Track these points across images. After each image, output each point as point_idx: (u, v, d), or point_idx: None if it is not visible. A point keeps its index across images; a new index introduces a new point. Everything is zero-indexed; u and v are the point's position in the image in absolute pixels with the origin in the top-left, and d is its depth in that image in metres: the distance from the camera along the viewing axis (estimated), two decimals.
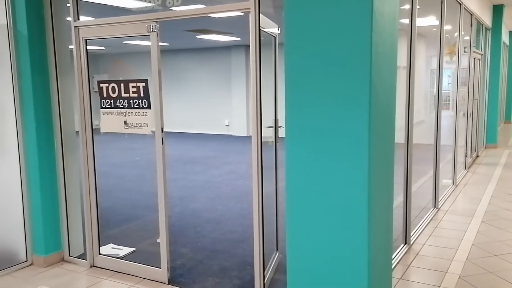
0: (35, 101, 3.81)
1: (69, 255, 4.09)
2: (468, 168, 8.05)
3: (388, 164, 2.74)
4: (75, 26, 3.73)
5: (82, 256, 4.07)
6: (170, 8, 3.40)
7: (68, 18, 3.80)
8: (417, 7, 4.27)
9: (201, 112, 14.36)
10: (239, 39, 11.64)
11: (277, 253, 3.87)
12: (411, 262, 3.94)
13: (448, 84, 7.74)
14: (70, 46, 3.87)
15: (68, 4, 3.77)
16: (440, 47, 5.51)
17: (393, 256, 3.66)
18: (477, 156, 9.26)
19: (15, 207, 3.92)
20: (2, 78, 3.79)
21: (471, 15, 7.48)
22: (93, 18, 3.76)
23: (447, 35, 5.97)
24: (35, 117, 3.82)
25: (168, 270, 3.61)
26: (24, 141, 3.90)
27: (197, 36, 10.79)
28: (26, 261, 3.99)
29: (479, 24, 8.66)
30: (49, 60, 3.89)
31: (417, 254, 4.12)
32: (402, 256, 4.05)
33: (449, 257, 4.02)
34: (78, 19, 3.75)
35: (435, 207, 5.54)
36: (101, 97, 3.74)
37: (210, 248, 4.37)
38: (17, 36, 3.78)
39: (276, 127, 3.65)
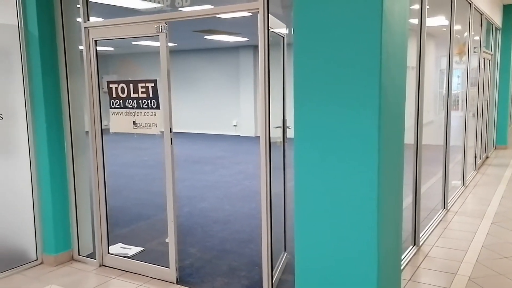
0: (45, 101, 3.85)
1: (79, 254, 4.12)
2: (478, 169, 7.98)
3: (398, 164, 2.73)
4: (85, 27, 3.76)
5: (91, 255, 4.10)
6: (179, 9, 3.42)
7: (78, 19, 3.83)
8: (427, 7, 4.24)
9: (209, 112, 14.40)
10: (247, 39, 11.65)
11: (285, 254, 3.87)
12: (420, 264, 3.92)
13: (458, 84, 7.68)
14: (80, 47, 3.91)
15: (78, 5, 3.80)
16: (449, 47, 5.48)
17: (402, 257, 3.64)
18: (487, 157, 9.18)
19: (26, 207, 3.96)
20: (13, 79, 3.83)
21: (481, 14, 7.42)
22: (102, 19, 3.79)
23: (456, 35, 5.93)
24: (46, 117, 3.86)
25: (176, 269, 3.62)
26: (35, 141, 3.94)
27: (205, 37, 10.82)
28: (37, 260, 4.03)
29: (489, 23, 8.58)
30: (59, 61, 3.93)
31: (426, 256, 4.09)
32: (411, 258, 4.03)
33: (458, 258, 3.99)
34: (88, 20, 3.79)
35: (444, 208, 5.50)
36: (111, 97, 3.76)
37: (218, 248, 4.38)
38: (28, 36, 3.82)
39: (284, 128, 3.65)
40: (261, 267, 3.33)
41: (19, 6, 3.78)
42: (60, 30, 3.88)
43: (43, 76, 3.82)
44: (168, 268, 3.64)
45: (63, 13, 3.86)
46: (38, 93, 3.85)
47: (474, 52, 7.39)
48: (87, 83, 3.83)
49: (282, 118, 3.67)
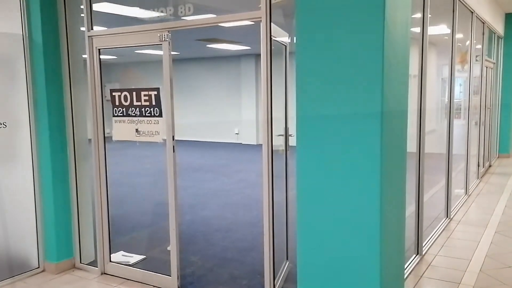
0: (49, 109, 3.87)
1: (80, 262, 4.11)
2: (481, 177, 7.95)
3: (400, 173, 2.73)
4: (88, 36, 3.79)
5: (93, 263, 4.09)
6: (182, 18, 3.44)
7: (82, 28, 3.86)
8: (429, 15, 4.26)
9: (211, 120, 14.43)
10: (249, 48, 11.71)
11: (287, 262, 3.85)
12: (423, 273, 3.89)
13: (460, 92, 7.69)
14: (83, 56, 3.93)
15: (82, 14, 3.83)
16: (451, 56, 5.49)
17: (405, 267, 3.62)
18: (490, 166, 9.15)
19: (28, 214, 3.97)
20: (17, 87, 3.85)
21: (483, 23, 7.44)
22: (106, 28, 3.82)
23: (458, 44, 5.94)
24: (49, 125, 3.88)
25: (178, 278, 3.61)
26: (38, 148, 3.95)
27: (207, 45, 10.89)
28: (38, 267, 4.02)
29: (491, 32, 8.60)
30: (63, 69, 3.95)
31: (429, 265, 4.06)
32: (414, 267, 4.00)
33: (462, 268, 3.96)
34: (92, 28, 3.82)
35: (447, 217, 5.47)
36: (113, 105, 3.78)
37: (220, 256, 4.37)
38: (32, 45, 3.85)
39: (286, 136, 3.65)
40: (263, 276, 3.31)
41: (24, 15, 3.82)
42: (64, 39, 3.91)
43: (46, 84, 3.84)
44: (170, 276, 3.63)
45: (67, 22, 3.89)
46: (42, 101, 3.87)
47: (476, 60, 7.40)
48: (90, 91, 3.85)
49: (284, 126, 3.68)
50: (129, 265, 3.97)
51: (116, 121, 3.80)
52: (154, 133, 3.63)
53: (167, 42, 3.40)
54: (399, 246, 2.81)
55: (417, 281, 3.74)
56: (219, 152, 12.20)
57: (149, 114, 3.62)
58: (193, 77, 14.54)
